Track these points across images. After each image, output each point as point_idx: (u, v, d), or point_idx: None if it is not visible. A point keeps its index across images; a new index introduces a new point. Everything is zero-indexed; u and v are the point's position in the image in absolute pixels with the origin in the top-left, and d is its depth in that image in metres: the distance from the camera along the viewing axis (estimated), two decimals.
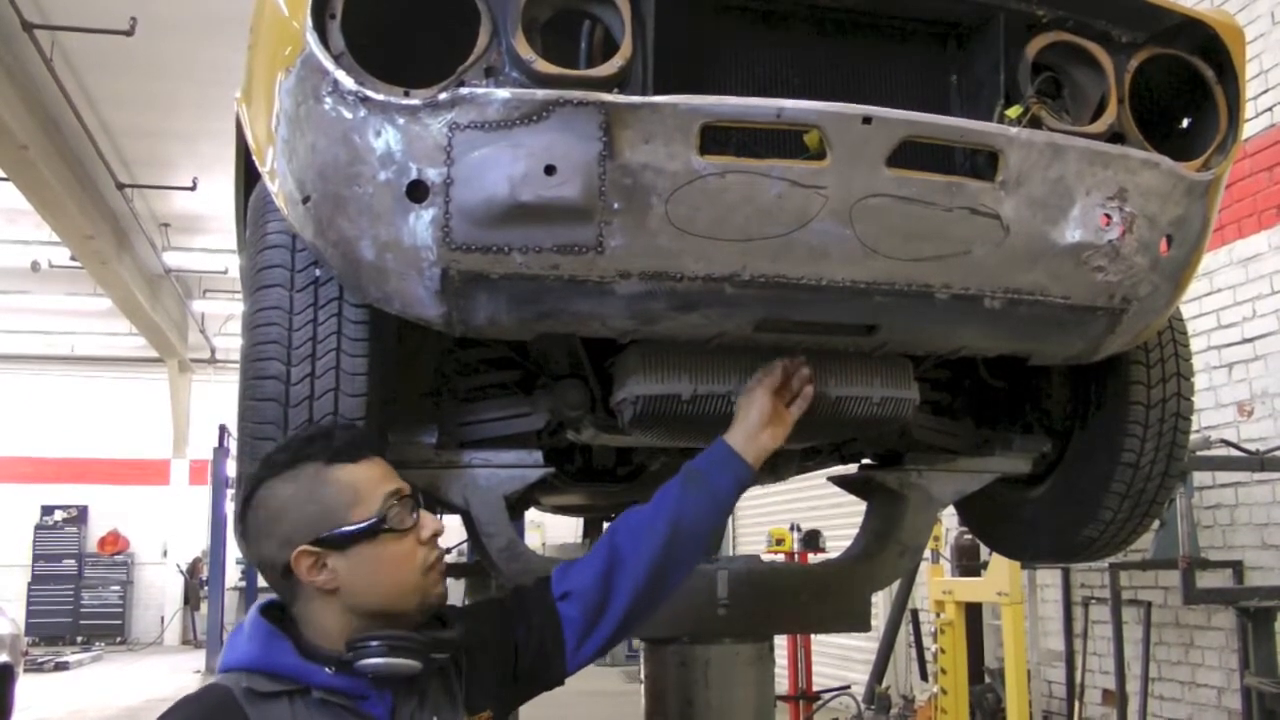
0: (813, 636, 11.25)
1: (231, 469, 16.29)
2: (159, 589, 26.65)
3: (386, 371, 2.89)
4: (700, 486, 2.59)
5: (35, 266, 19.07)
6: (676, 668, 3.52)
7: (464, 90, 2.27)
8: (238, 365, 2.86)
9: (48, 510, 26.53)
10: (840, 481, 3.86)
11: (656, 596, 2.56)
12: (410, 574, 2.16)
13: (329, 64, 2.30)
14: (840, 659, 13.95)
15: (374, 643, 2.10)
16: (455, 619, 2.31)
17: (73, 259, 17.92)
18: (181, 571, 25.66)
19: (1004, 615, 8.39)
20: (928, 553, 9.03)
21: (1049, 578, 9.83)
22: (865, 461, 3.96)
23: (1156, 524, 5.48)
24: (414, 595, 2.17)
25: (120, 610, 26.44)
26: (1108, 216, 2.56)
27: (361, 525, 2.11)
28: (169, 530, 26.21)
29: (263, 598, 2.29)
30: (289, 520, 2.14)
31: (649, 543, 2.51)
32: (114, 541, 26.82)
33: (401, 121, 2.28)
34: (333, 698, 2.10)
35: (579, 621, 2.46)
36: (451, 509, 3.32)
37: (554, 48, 2.38)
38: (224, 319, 24.25)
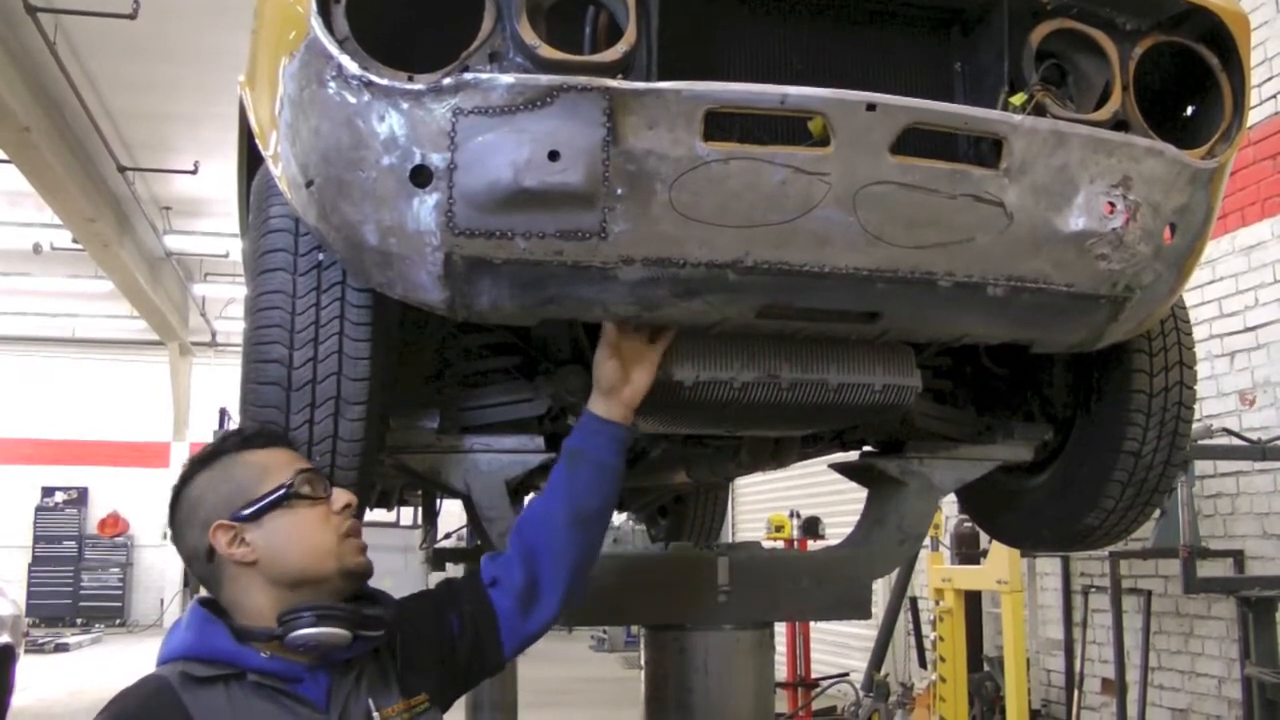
0: (812, 624, 11.27)
1: None
2: (159, 571, 26.72)
3: (389, 356, 2.89)
4: (581, 462, 2.66)
5: (37, 249, 19.08)
6: (676, 654, 3.52)
7: (468, 75, 2.27)
8: (238, 349, 2.86)
9: (48, 492, 26.61)
10: (841, 468, 3.86)
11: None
12: (324, 538, 2.27)
13: (333, 48, 2.29)
14: (839, 646, 14.00)
15: (305, 613, 2.16)
16: (387, 602, 2.38)
17: (74, 241, 17.93)
18: None
19: (1003, 603, 8.41)
20: (927, 540, 9.04)
21: (1049, 566, 9.85)
22: (866, 448, 3.95)
23: (1157, 513, 5.49)
24: (331, 559, 2.26)
25: (120, 592, 26.55)
26: (1111, 204, 2.56)
27: (272, 493, 2.24)
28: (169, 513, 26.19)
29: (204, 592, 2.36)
30: (208, 504, 2.27)
31: (552, 527, 2.59)
32: (114, 524, 26.89)
33: (405, 106, 2.28)
34: (267, 681, 2.15)
35: (510, 608, 2.54)
36: (453, 493, 3.32)
37: (558, 33, 2.37)
38: (225, 302, 24.26)
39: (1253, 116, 7.09)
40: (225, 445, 2.36)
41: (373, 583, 2.41)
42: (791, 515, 11.66)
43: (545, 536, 2.59)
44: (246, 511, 2.24)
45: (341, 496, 2.33)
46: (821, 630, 13.10)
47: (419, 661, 2.39)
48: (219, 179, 15.84)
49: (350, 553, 2.29)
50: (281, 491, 2.25)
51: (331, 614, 2.18)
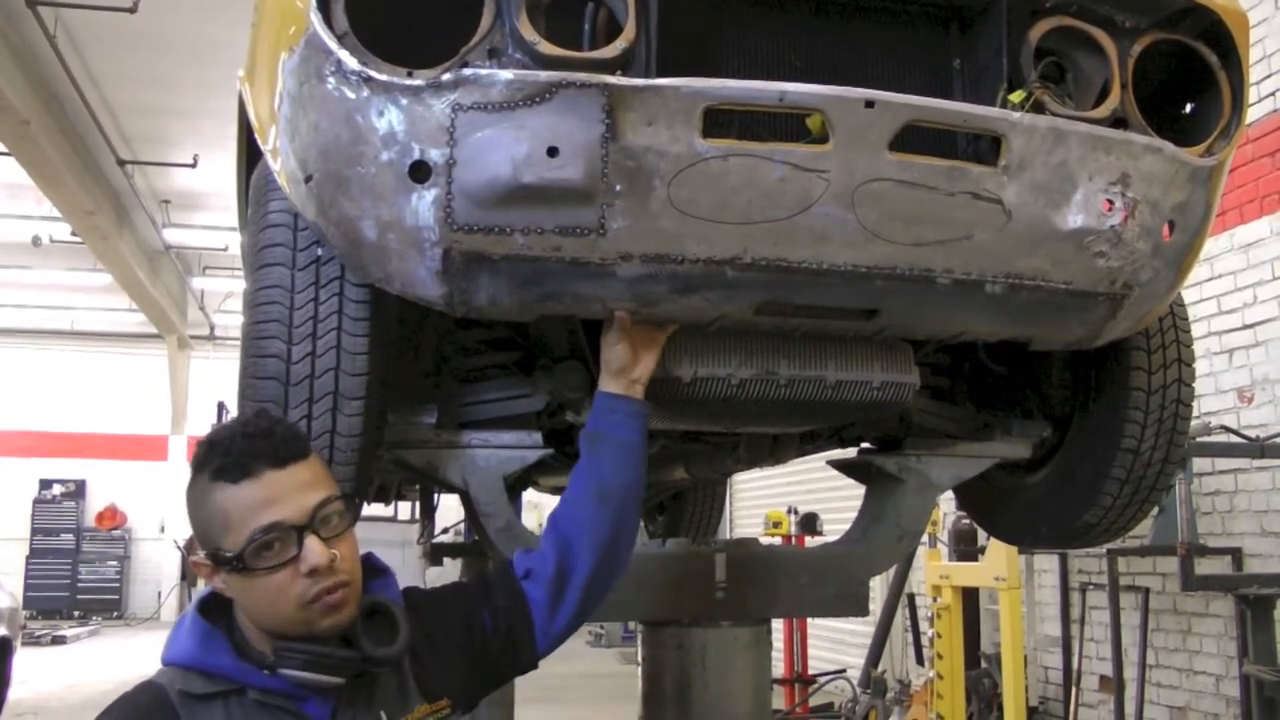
0: (809, 620, 11.27)
1: None
2: (156, 564, 26.71)
3: (387, 351, 2.89)
4: (603, 444, 2.64)
5: (36, 241, 19.07)
6: (674, 650, 3.52)
7: (467, 71, 2.27)
8: (237, 342, 2.87)
9: (46, 484, 26.59)
10: (839, 465, 3.86)
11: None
12: (284, 607, 2.04)
13: (332, 44, 2.30)
14: (836, 643, 13.98)
15: (299, 655, 2.05)
16: (406, 613, 2.22)
17: (73, 234, 17.92)
18: (179, 547, 25.59)
19: (1001, 600, 8.40)
20: (925, 537, 9.03)
21: (1046, 563, 9.84)
22: (864, 445, 3.96)
23: (1155, 510, 5.49)
24: (294, 627, 2.06)
25: (117, 585, 26.53)
26: (1110, 202, 2.56)
27: (227, 559, 2.04)
28: (167, 506, 26.17)
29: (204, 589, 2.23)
30: (192, 525, 2.13)
31: (584, 515, 2.56)
32: (112, 516, 26.87)
33: (404, 102, 2.28)
34: (269, 699, 2.07)
35: (544, 601, 2.47)
36: (450, 488, 3.32)
37: (557, 30, 2.38)
38: (223, 296, 24.25)
39: (1251, 114, 7.09)
40: (207, 460, 2.08)
41: None
42: (789, 511, 11.63)
43: (574, 524, 2.55)
44: (213, 557, 2.06)
45: (313, 556, 2.03)
46: (819, 626, 13.09)
47: (444, 663, 2.31)
48: (218, 173, 15.82)
49: (318, 618, 2.05)
50: (233, 557, 2.02)
51: (323, 663, 2.07)
